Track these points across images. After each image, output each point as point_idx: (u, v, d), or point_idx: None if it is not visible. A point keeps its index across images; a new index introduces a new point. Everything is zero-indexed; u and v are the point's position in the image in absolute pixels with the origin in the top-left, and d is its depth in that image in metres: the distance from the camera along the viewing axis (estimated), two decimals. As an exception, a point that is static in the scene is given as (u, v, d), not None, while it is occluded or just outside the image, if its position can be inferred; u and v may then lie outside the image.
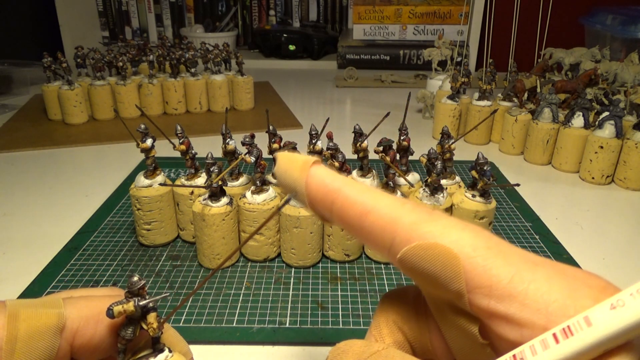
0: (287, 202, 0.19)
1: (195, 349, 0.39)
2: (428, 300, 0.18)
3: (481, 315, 0.15)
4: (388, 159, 0.47)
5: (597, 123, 0.69)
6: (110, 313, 0.20)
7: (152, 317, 0.21)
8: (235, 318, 0.42)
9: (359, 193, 0.18)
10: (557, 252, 0.52)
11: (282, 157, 0.19)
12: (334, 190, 0.18)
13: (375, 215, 0.17)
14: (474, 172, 0.47)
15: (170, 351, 0.21)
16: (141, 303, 0.20)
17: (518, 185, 0.49)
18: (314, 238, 0.48)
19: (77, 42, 1.22)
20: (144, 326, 0.21)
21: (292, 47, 1.46)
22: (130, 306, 0.20)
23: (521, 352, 0.13)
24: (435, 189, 0.48)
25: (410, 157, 0.54)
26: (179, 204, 0.52)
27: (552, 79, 0.90)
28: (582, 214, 0.62)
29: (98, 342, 0.21)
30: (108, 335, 0.21)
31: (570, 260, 0.51)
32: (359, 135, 0.51)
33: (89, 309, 0.21)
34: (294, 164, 0.19)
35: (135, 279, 0.20)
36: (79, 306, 0.21)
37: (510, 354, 0.13)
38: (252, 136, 0.49)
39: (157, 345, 0.21)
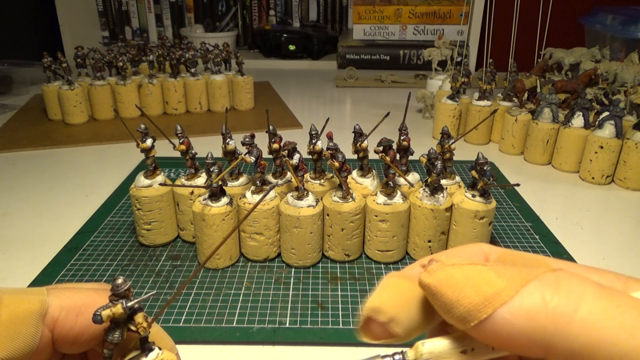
0: (266, 194, 0.19)
1: (195, 349, 0.39)
2: None
3: None
4: (388, 159, 0.47)
5: (597, 123, 0.68)
6: (98, 318, 0.19)
7: (140, 317, 0.20)
8: (235, 318, 0.42)
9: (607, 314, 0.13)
10: (557, 252, 0.52)
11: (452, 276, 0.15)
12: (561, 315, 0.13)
13: None
14: (474, 172, 0.47)
15: (160, 349, 0.21)
16: (128, 304, 0.20)
17: (518, 185, 0.49)
18: (314, 238, 0.48)
19: (77, 42, 1.22)
20: (132, 327, 0.20)
21: (292, 47, 1.46)
22: (118, 309, 0.20)
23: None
24: (435, 189, 0.48)
25: (410, 157, 0.54)
26: (179, 204, 0.52)
27: (552, 79, 0.90)
28: (582, 214, 0.61)
29: (77, 334, 0.20)
30: (89, 329, 0.21)
31: (570, 261, 0.51)
32: (359, 135, 0.51)
33: (72, 300, 0.20)
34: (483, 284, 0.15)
35: (120, 281, 0.20)
36: (61, 296, 0.20)
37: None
38: (252, 136, 0.49)
39: (146, 345, 0.21)
